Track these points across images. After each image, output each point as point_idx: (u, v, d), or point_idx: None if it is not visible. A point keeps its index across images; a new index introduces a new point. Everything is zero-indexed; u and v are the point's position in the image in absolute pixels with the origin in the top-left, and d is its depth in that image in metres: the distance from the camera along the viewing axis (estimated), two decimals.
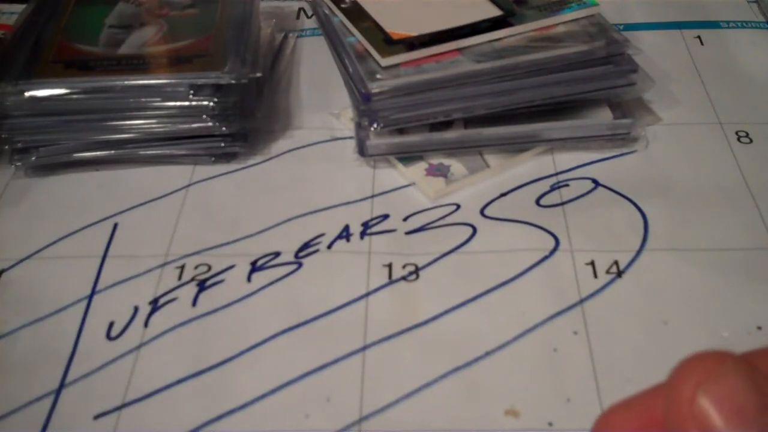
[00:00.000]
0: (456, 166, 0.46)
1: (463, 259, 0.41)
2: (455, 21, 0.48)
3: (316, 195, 0.45)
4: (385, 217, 0.43)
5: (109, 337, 0.38)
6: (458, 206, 0.44)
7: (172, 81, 0.46)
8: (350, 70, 0.46)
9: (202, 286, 0.40)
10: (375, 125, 0.44)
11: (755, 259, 0.40)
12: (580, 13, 0.49)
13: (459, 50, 0.46)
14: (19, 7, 0.55)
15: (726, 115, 0.49)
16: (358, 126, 0.46)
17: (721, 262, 0.40)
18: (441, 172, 0.45)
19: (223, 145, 0.47)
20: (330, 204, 0.44)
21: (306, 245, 0.42)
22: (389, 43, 0.46)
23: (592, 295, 0.39)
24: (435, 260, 0.41)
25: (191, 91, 0.46)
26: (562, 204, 0.44)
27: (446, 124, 0.46)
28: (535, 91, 0.46)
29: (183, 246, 0.42)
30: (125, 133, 0.46)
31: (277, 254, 0.42)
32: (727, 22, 0.58)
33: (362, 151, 0.46)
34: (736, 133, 0.48)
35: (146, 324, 0.38)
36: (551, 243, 0.41)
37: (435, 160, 0.46)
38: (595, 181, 0.45)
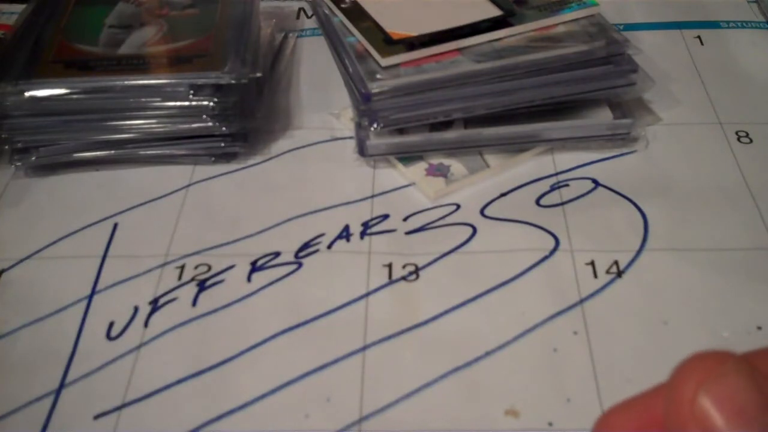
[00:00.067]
0: (456, 166, 0.46)
1: (463, 259, 0.41)
2: (455, 21, 0.48)
3: (316, 195, 0.45)
4: (385, 217, 0.43)
5: (109, 337, 0.38)
6: (458, 206, 0.44)
7: (172, 81, 0.46)
8: (350, 70, 0.46)
9: (202, 286, 0.40)
10: (375, 125, 0.44)
11: (755, 259, 0.40)
12: (580, 13, 0.49)
13: (459, 50, 0.46)
14: (19, 7, 0.55)
15: (726, 115, 0.49)
16: (358, 126, 0.46)
17: (721, 262, 0.40)
18: (441, 172, 0.45)
19: (223, 145, 0.47)
20: (330, 204, 0.44)
21: (306, 245, 0.42)
22: (389, 43, 0.46)
23: (592, 295, 0.39)
24: (435, 260, 0.41)
25: (191, 91, 0.46)
26: (562, 204, 0.44)
27: (446, 124, 0.46)
28: (535, 91, 0.46)
29: (183, 246, 0.42)
30: (125, 133, 0.46)
31: (277, 254, 0.42)
32: (727, 22, 0.58)
33: (362, 151, 0.46)
34: (736, 133, 0.48)
35: (146, 324, 0.38)
36: (551, 243, 0.41)
37: (435, 160, 0.46)
38: (595, 181, 0.45)
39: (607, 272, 0.40)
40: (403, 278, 0.40)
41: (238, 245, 0.42)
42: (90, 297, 0.40)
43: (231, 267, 0.41)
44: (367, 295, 0.39)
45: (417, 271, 0.40)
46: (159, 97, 0.46)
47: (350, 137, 0.48)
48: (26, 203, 0.45)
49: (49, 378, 0.36)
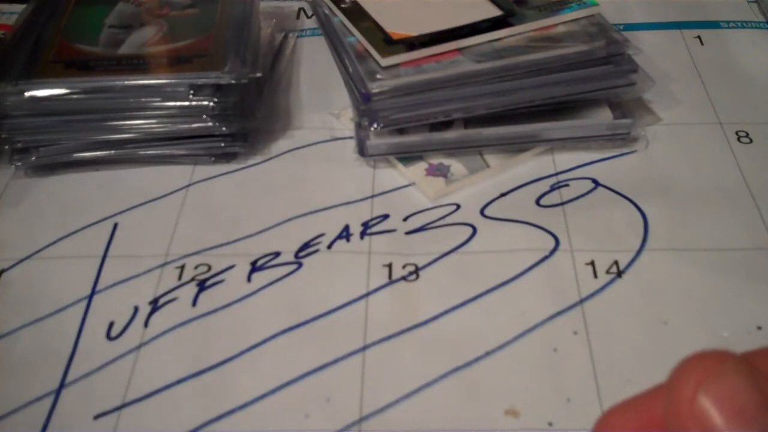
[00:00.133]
0: (456, 166, 0.46)
1: (463, 259, 0.41)
2: (455, 21, 0.48)
3: (316, 195, 0.45)
4: (385, 217, 0.43)
5: (109, 337, 0.38)
6: (458, 206, 0.44)
7: (172, 81, 0.46)
8: (350, 70, 0.46)
9: (202, 286, 0.40)
10: (375, 125, 0.44)
11: (755, 259, 0.40)
12: (580, 13, 0.49)
13: (459, 50, 0.46)
14: (19, 7, 0.55)
15: (726, 115, 0.49)
16: (358, 126, 0.46)
17: (721, 262, 0.40)
18: (441, 172, 0.45)
19: (223, 145, 0.47)
20: (330, 204, 0.44)
21: (306, 245, 0.42)
22: (389, 43, 0.46)
23: (592, 295, 0.39)
24: (435, 260, 0.41)
25: (191, 91, 0.46)
26: (562, 204, 0.44)
27: (446, 124, 0.46)
28: (535, 91, 0.46)
29: (183, 246, 0.42)
30: (125, 133, 0.46)
31: (277, 254, 0.42)
32: (727, 22, 0.58)
33: (362, 151, 0.46)
34: (736, 133, 0.48)
35: (146, 324, 0.38)
36: (551, 243, 0.41)
37: (435, 160, 0.46)
38: (595, 181, 0.45)
39: (607, 272, 0.40)
40: (403, 278, 0.40)
41: (238, 245, 0.42)
42: (90, 297, 0.40)
43: (231, 267, 0.41)
44: (367, 295, 0.39)
45: (417, 271, 0.40)
46: (159, 97, 0.46)
47: (350, 137, 0.48)
48: (26, 203, 0.45)
49: (49, 378, 0.36)
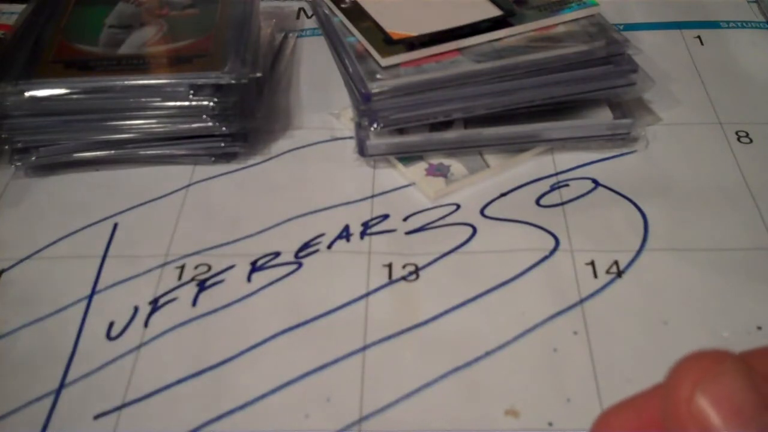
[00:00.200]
0: (456, 166, 0.46)
1: (463, 259, 0.41)
2: (455, 21, 0.48)
3: (316, 195, 0.45)
4: (385, 217, 0.43)
5: (109, 337, 0.38)
6: (458, 206, 0.44)
7: (172, 81, 0.46)
8: (350, 70, 0.46)
9: (202, 286, 0.40)
10: (375, 125, 0.44)
11: (755, 259, 0.40)
12: (580, 13, 0.49)
13: (459, 50, 0.46)
14: (19, 7, 0.55)
15: (726, 115, 0.49)
16: (358, 126, 0.46)
17: (721, 262, 0.40)
18: (441, 172, 0.45)
19: (223, 145, 0.47)
20: (330, 204, 0.44)
21: (306, 245, 0.42)
22: (389, 43, 0.46)
23: (592, 295, 0.39)
24: (435, 260, 0.41)
25: (191, 91, 0.46)
26: (562, 204, 0.44)
27: (446, 124, 0.46)
28: (535, 91, 0.46)
29: (183, 246, 0.42)
30: (125, 133, 0.46)
31: (277, 254, 0.42)
32: (727, 22, 0.58)
33: (362, 151, 0.46)
34: (736, 133, 0.48)
35: (146, 324, 0.38)
36: (551, 243, 0.41)
37: (435, 160, 0.46)
38: (595, 181, 0.45)
39: (607, 272, 0.40)
40: (403, 278, 0.40)
41: (238, 245, 0.42)
42: (90, 297, 0.40)
43: (231, 267, 0.41)
44: (367, 295, 0.39)
45: (417, 271, 0.40)
46: (159, 97, 0.46)
47: (350, 137, 0.48)
48: (26, 203, 0.45)
49: (49, 378, 0.36)
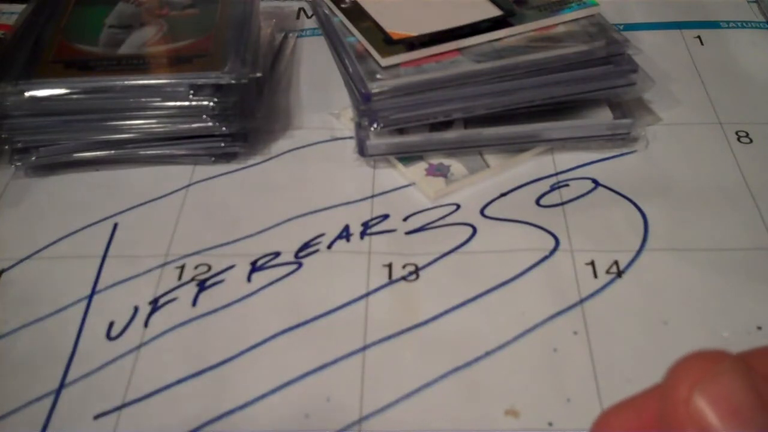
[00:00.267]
0: (456, 166, 0.46)
1: (463, 259, 0.41)
2: (455, 21, 0.48)
3: (316, 195, 0.45)
4: (385, 217, 0.43)
5: (109, 337, 0.38)
6: (458, 206, 0.44)
7: (172, 81, 0.46)
8: (350, 70, 0.46)
9: (202, 286, 0.40)
10: (375, 125, 0.44)
11: (755, 259, 0.40)
12: (580, 13, 0.49)
13: (459, 50, 0.46)
14: (19, 7, 0.55)
15: (726, 115, 0.49)
16: (358, 126, 0.46)
17: (721, 262, 0.40)
18: (441, 172, 0.45)
19: (223, 145, 0.47)
20: (330, 204, 0.44)
21: (306, 245, 0.42)
22: (389, 43, 0.46)
23: (592, 295, 0.39)
24: (435, 260, 0.41)
25: (191, 91, 0.46)
26: (562, 204, 0.44)
27: (446, 124, 0.46)
28: (535, 91, 0.46)
29: (183, 246, 0.42)
30: (125, 133, 0.46)
31: (277, 254, 0.42)
32: (727, 22, 0.58)
33: (362, 151, 0.46)
34: (736, 133, 0.48)
35: (146, 324, 0.38)
36: (551, 243, 0.41)
37: (435, 160, 0.46)
38: (595, 181, 0.45)
39: (607, 272, 0.40)
40: (403, 278, 0.40)
41: (238, 245, 0.42)
42: (90, 297, 0.40)
43: (231, 267, 0.41)
44: (367, 295, 0.39)
45: (417, 271, 0.40)
46: (159, 97, 0.46)
47: (350, 137, 0.48)
48: (26, 203, 0.45)
49: (49, 378, 0.36)
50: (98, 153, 0.47)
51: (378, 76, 0.45)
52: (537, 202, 0.44)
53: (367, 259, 0.41)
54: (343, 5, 0.51)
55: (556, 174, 0.46)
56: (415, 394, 0.35)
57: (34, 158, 0.46)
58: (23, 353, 0.37)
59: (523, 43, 0.47)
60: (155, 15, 0.52)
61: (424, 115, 0.45)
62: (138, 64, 0.47)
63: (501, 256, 0.41)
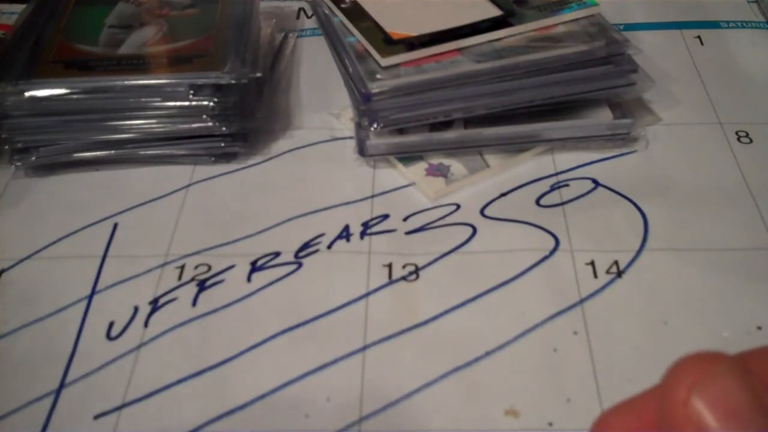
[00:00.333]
0: (456, 166, 0.46)
1: (463, 259, 0.41)
2: (455, 21, 0.48)
3: (316, 195, 0.45)
4: (385, 217, 0.43)
5: (109, 337, 0.38)
6: (458, 206, 0.44)
7: (172, 81, 0.46)
8: (350, 70, 0.46)
9: (202, 286, 0.40)
10: (375, 125, 0.44)
11: (755, 259, 0.40)
12: (580, 13, 0.49)
13: (459, 50, 0.46)
14: (19, 7, 0.55)
15: (726, 115, 0.49)
16: (358, 126, 0.46)
17: (721, 262, 0.40)
18: (441, 172, 0.45)
19: (223, 145, 0.47)
20: (330, 204, 0.44)
21: (306, 245, 0.42)
22: (389, 43, 0.46)
23: (592, 295, 0.39)
24: (435, 260, 0.41)
25: (191, 91, 0.46)
26: (562, 204, 0.44)
27: (446, 124, 0.46)
28: (535, 91, 0.46)
29: (183, 246, 0.42)
30: (125, 133, 0.46)
31: (277, 254, 0.42)
32: (727, 22, 0.58)
33: (362, 151, 0.46)
34: (736, 133, 0.48)
35: (146, 324, 0.38)
36: (551, 243, 0.41)
37: (435, 160, 0.46)
38: (595, 181, 0.45)
39: (607, 272, 0.40)
40: (403, 278, 0.40)
41: (238, 245, 0.42)
42: (90, 297, 0.40)
43: (231, 267, 0.41)
44: (367, 295, 0.39)
45: (417, 271, 0.40)
46: (159, 97, 0.46)
47: (350, 137, 0.48)
48: (26, 203, 0.45)
49: (49, 378, 0.36)
50: (98, 153, 0.47)
51: (378, 76, 0.45)
52: (537, 202, 0.44)
53: (367, 259, 0.41)
54: (343, 5, 0.51)
55: (556, 174, 0.46)
56: (415, 394, 0.35)
57: (34, 158, 0.46)
58: (23, 353, 0.37)
59: (523, 43, 0.47)
60: (155, 15, 0.52)
61: (424, 115, 0.45)
62: (138, 64, 0.47)
63: (501, 256, 0.41)
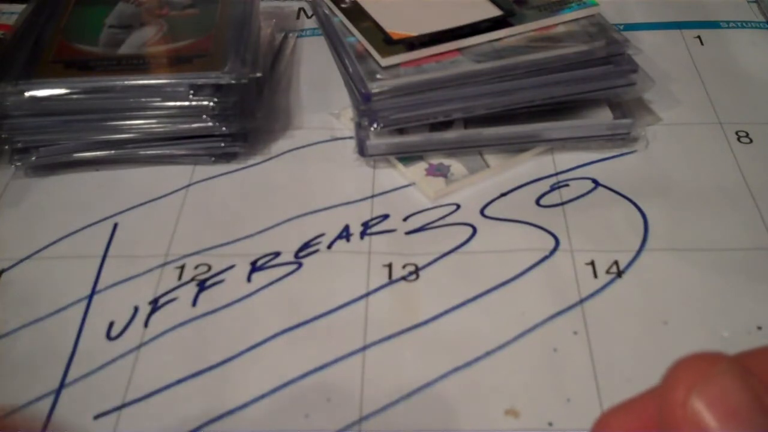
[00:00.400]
0: (456, 166, 0.46)
1: (463, 259, 0.41)
2: (455, 21, 0.48)
3: (316, 195, 0.45)
4: (385, 217, 0.43)
5: (109, 337, 0.38)
6: (458, 206, 0.44)
7: (172, 81, 0.46)
8: (350, 70, 0.46)
9: (202, 286, 0.40)
10: (375, 125, 0.44)
11: (755, 259, 0.40)
12: (580, 13, 0.49)
13: (459, 50, 0.46)
14: (19, 7, 0.55)
15: (726, 115, 0.49)
16: (358, 126, 0.46)
17: (721, 262, 0.40)
18: (441, 172, 0.45)
19: (223, 145, 0.47)
20: (330, 204, 0.44)
21: (306, 245, 0.42)
22: (389, 43, 0.46)
23: (592, 295, 0.39)
24: (435, 260, 0.41)
25: (191, 91, 0.46)
26: (562, 204, 0.44)
27: (446, 124, 0.46)
28: (535, 91, 0.46)
29: (183, 246, 0.42)
30: (125, 133, 0.46)
31: (277, 254, 0.42)
32: (727, 22, 0.58)
33: (362, 151, 0.46)
34: (736, 133, 0.48)
35: (146, 324, 0.38)
36: (551, 243, 0.41)
37: (435, 160, 0.46)
38: (595, 181, 0.45)
39: (607, 272, 0.40)
40: (403, 278, 0.40)
41: (238, 245, 0.42)
42: (90, 297, 0.40)
43: (231, 267, 0.41)
44: (367, 295, 0.39)
45: (417, 271, 0.40)
46: (159, 97, 0.46)
47: (350, 137, 0.48)
48: (26, 203, 0.45)
49: (49, 378, 0.36)
50: (98, 153, 0.47)
51: (378, 76, 0.45)
52: (537, 202, 0.44)
53: (367, 259, 0.41)
54: (343, 5, 0.51)
55: (556, 174, 0.46)
56: (415, 394, 0.35)
57: (34, 158, 0.46)
58: (23, 353, 0.37)
59: (523, 43, 0.47)
60: (155, 15, 0.52)
61: (424, 115, 0.45)
62: (138, 64, 0.47)
63: (501, 256, 0.41)
